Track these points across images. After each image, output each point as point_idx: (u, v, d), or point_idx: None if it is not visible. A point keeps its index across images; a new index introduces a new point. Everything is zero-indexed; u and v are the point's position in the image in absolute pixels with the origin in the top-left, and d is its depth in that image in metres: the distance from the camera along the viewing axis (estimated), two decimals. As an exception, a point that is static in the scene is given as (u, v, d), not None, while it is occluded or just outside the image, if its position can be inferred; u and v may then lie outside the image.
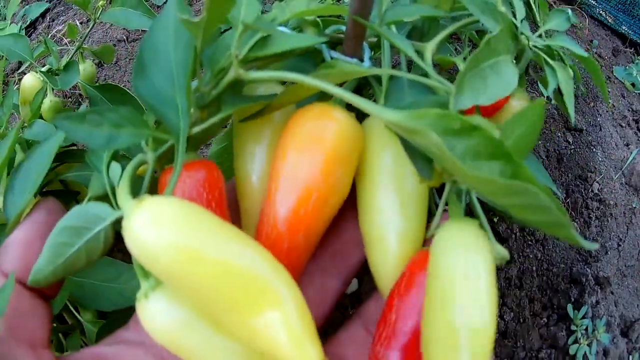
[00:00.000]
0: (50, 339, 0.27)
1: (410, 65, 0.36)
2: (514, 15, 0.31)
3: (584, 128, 0.72)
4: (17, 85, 0.66)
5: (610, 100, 0.78)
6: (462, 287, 0.21)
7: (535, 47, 0.32)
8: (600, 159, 0.71)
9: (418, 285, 0.25)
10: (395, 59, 0.32)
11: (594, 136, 0.72)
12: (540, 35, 0.34)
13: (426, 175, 0.24)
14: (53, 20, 1.00)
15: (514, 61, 0.30)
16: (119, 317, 0.52)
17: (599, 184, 0.70)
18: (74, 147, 0.62)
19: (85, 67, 0.66)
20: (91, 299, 0.53)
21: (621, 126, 0.77)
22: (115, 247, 0.69)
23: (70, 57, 0.62)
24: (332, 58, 0.31)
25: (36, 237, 0.27)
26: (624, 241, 0.69)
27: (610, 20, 0.88)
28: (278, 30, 0.27)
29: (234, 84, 0.27)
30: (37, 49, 0.61)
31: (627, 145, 0.76)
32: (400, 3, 0.34)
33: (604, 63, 0.84)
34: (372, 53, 0.34)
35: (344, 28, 0.31)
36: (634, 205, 0.72)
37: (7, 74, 0.90)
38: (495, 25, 0.27)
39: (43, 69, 0.59)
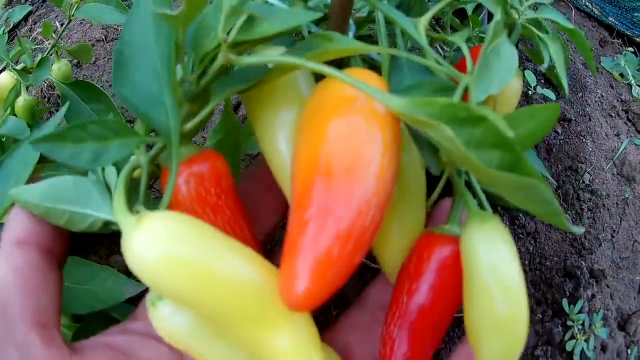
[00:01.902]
0: (60, 317, 0.25)
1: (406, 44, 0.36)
2: None
3: (573, 118, 0.71)
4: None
5: (598, 90, 0.77)
6: (500, 281, 0.23)
7: (525, 21, 0.32)
8: (590, 149, 0.70)
9: (427, 268, 0.26)
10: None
11: (584, 126, 0.71)
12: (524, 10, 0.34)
13: (434, 170, 0.25)
14: (35, 23, 0.99)
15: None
16: (93, 320, 0.50)
17: (590, 175, 0.69)
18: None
19: (60, 66, 0.65)
20: (65, 303, 0.51)
21: (611, 116, 0.76)
22: (91, 249, 0.66)
23: (45, 54, 0.61)
24: (309, 33, 0.30)
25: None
26: (618, 232, 0.68)
27: (596, 12, 0.88)
28: (269, 6, 0.25)
29: (223, 70, 0.25)
30: (16, 50, 0.60)
31: (618, 135, 0.75)
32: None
33: (590, 54, 0.83)
34: (357, 30, 0.33)
35: (329, 1, 0.29)
36: (626, 196, 0.71)
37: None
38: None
39: (17, 67, 0.58)
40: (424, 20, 0.28)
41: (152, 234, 0.21)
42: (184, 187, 0.25)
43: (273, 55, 0.27)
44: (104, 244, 0.60)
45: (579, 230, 0.20)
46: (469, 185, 0.28)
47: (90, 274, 0.49)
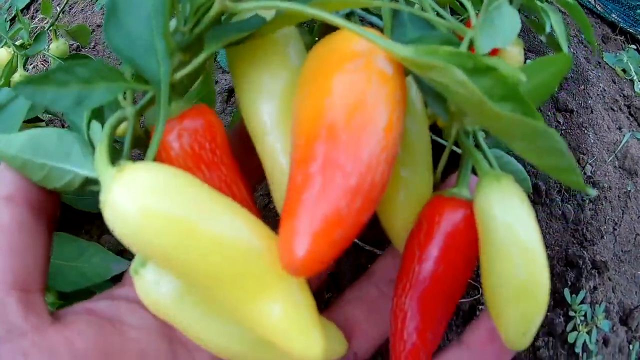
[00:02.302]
0: (46, 280, 0.24)
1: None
2: None
3: (575, 109, 0.70)
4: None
5: (600, 84, 0.76)
6: (518, 243, 0.22)
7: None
8: (592, 141, 0.69)
9: (438, 233, 0.25)
10: None
11: (585, 118, 0.70)
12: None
13: (443, 116, 0.23)
14: (37, 11, 0.99)
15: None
16: (79, 298, 0.48)
17: (592, 167, 0.68)
18: (41, 122, 0.60)
19: (58, 45, 0.65)
20: (51, 280, 0.50)
21: (613, 110, 0.75)
22: (83, 228, 0.64)
23: (44, 30, 0.61)
24: None
25: None
26: (620, 225, 0.66)
27: (599, 8, 0.88)
28: None
29: (218, 19, 0.24)
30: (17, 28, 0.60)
31: (620, 128, 0.74)
32: None
33: (590, 30, 0.82)
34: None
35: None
36: (628, 189, 0.69)
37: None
38: None
39: (16, 43, 0.58)
40: None
41: (133, 185, 0.19)
42: (176, 143, 0.24)
43: (272, 2, 0.26)
44: (95, 223, 0.59)
45: (593, 192, 0.20)
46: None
47: (78, 251, 0.48)
